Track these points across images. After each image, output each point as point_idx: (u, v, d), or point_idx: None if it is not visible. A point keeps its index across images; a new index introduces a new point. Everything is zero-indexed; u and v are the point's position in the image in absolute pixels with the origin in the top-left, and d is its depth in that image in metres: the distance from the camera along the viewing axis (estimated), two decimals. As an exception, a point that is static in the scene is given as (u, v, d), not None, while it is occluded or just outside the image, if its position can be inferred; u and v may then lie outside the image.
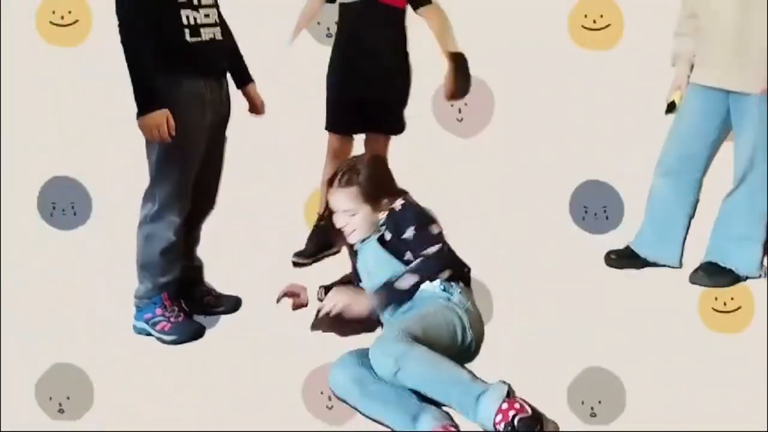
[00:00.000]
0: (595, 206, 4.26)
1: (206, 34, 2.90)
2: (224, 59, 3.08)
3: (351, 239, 3.13)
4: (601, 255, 4.13)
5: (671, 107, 3.68)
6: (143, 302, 3.25)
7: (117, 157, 4.21)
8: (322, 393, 3.08)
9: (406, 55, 3.89)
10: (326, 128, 3.95)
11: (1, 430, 2.83)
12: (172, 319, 3.19)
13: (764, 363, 3.32)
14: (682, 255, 3.81)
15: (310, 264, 3.93)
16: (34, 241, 4.21)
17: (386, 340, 2.80)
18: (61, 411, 2.99)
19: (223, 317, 3.74)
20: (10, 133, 4.53)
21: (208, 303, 3.47)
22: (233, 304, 3.51)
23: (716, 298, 3.87)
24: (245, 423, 2.96)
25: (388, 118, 3.92)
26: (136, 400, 3.05)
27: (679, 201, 3.74)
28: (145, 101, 2.84)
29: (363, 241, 3.13)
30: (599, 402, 3.11)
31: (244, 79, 3.29)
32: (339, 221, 3.09)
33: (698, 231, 3.95)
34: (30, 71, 4.53)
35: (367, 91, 3.83)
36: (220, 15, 3.12)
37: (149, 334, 3.31)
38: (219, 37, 2.96)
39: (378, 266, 3.08)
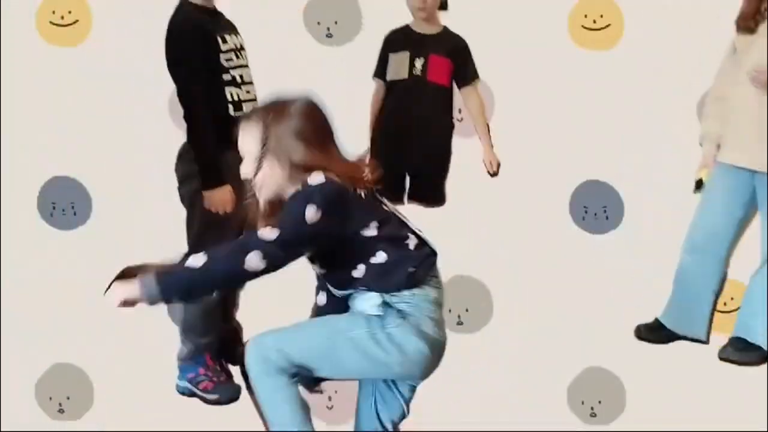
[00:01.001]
0: (595, 206, 4.25)
1: (247, 107, 2.99)
2: None
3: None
4: (601, 255, 4.13)
5: (699, 185, 3.74)
6: (187, 362, 3.25)
7: (117, 157, 4.21)
8: (321, 393, 3.09)
9: (450, 130, 3.92)
10: None
11: (1, 430, 2.84)
12: (214, 379, 3.20)
13: (764, 363, 3.32)
14: (709, 330, 3.78)
15: None
16: (34, 242, 4.21)
17: (261, 346, 2.42)
18: (61, 411, 2.99)
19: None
20: (10, 133, 4.53)
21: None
22: None
23: (716, 298, 3.87)
24: (245, 423, 2.96)
25: (430, 192, 3.96)
26: (136, 400, 3.05)
27: (705, 277, 3.75)
28: (212, 176, 2.94)
29: None
30: (599, 402, 3.11)
31: None
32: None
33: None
34: (30, 71, 4.52)
35: (412, 165, 3.88)
36: None
37: (193, 394, 3.28)
38: None
39: None
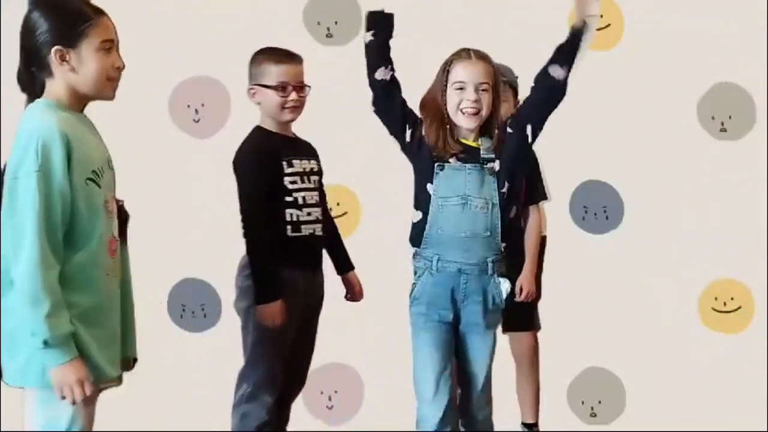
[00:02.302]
0: (595, 206, 4.25)
1: (306, 230, 3.13)
2: (321, 252, 3.29)
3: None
4: (601, 255, 4.13)
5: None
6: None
7: (116, 158, 4.20)
8: (322, 393, 3.10)
9: (521, 235, 3.77)
10: None
11: (1, 430, 2.83)
12: None
13: (764, 363, 3.33)
14: None
15: None
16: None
17: None
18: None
19: (223, 317, 3.74)
20: (11, 133, 4.53)
21: None
22: None
23: (716, 298, 3.88)
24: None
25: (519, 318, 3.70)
26: (137, 400, 3.05)
27: None
28: (268, 292, 3.03)
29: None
30: (599, 402, 3.12)
31: (344, 267, 3.45)
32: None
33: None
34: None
35: None
36: (325, 210, 3.31)
37: None
38: (319, 233, 3.19)
39: None
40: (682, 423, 2.89)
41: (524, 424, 3.49)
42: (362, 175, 4.13)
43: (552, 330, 3.52)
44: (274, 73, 3.11)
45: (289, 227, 3.09)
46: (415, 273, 2.91)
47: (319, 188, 3.24)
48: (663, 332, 3.66)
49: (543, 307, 3.69)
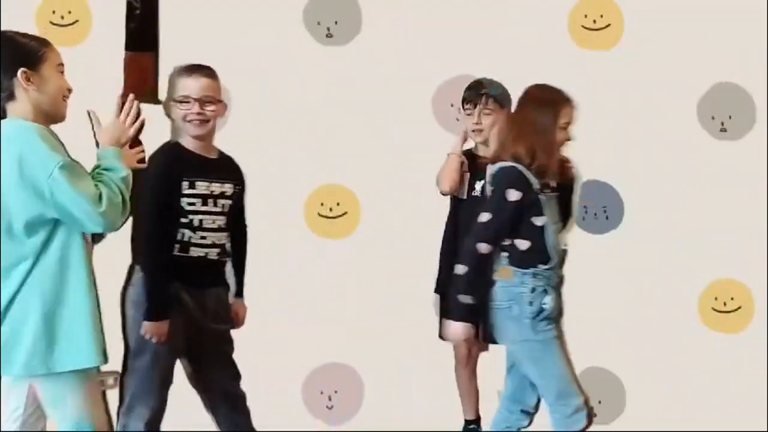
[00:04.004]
0: (595, 206, 4.25)
1: (195, 252, 3.06)
2: (211, 274, 3.18)
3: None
4: (601, 255, 4.13)
5: None
6: None
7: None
8: (322, 393, 3.10)
9: None
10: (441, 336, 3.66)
11: (1, 429, 2.83)
12: None
13: (764, 363, 3.33)
14: None
15: None
16: None
17: None
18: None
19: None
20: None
21: None
22: None
23: (716, 298, 3.88)
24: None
25: None
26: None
27: None
28: (158, 311, 2.99)
29: None
30: (599, 402, 3.12)
31: (236, 293, 3.35)
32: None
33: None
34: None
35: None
36: (239, 234, 3.26)
37: None
38: (213, 257, 3.11)
39: None
40: (682, 423, 2.89)
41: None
42: (362, 175, 4.13)
43: (552, 330, 3.52)
44: (179, 86, 3.05)
45: (177, 246, 3.03)
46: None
47: (230, 212, 3.16)
48: (663, 332, 3.66)
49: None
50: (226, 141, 4.14)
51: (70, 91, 2.53)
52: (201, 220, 3.05)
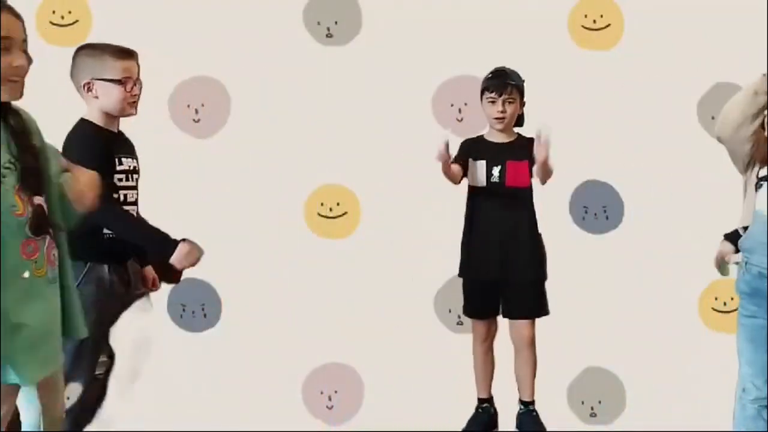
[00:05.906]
0: (595, 206, 4.25)
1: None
2: (129, 247, 3.18)
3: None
4: (601, 255, 4.13)
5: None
6: None
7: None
8: (322, 393, 3.10)
9: (538, 234, 3.76)
10: (465, 314, 3.78)
11: (1, 429, 2.84)
12: None
13: (764, 363, 3.32)
14: None
15: None
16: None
17: None
18: (61, 411, 2.98)
19: (223, 317, 3.74)
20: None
21: None
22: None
23: (716, 298, 3.88)
24: (245, 423, 2.96)
25: (527, 300, 3.71)
26: (136, 400, 3.05)
27: None
28: (164, 241, 3.02)
29: None
30: (599, 402, 3.12)
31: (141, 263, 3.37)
32: None
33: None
34: (29, 71, 4.52)
35: (502, 274, 3.68)
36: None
37: None
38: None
39: None
40: (682, 423, 2.89)
41: (522, 402, 3.50)
42: (362, 175, 4.14)
43: (552, 330, 3.52)
44: (119, 67, 3.06)
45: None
46: None
47: (136, 187, 3.21)
48: (663, 332, 3.65)
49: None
50: (226, 141, 4.16)
51: (19, 68, 2.21)
52: (125, 195, 3.10)
